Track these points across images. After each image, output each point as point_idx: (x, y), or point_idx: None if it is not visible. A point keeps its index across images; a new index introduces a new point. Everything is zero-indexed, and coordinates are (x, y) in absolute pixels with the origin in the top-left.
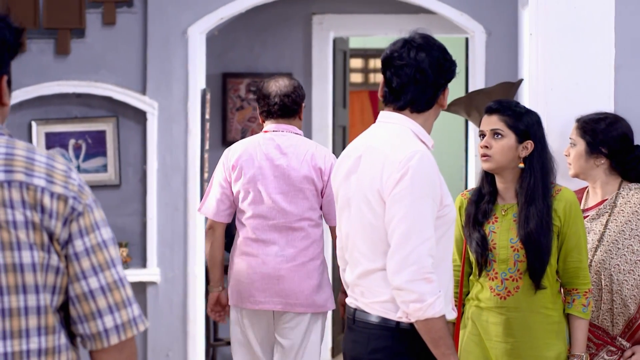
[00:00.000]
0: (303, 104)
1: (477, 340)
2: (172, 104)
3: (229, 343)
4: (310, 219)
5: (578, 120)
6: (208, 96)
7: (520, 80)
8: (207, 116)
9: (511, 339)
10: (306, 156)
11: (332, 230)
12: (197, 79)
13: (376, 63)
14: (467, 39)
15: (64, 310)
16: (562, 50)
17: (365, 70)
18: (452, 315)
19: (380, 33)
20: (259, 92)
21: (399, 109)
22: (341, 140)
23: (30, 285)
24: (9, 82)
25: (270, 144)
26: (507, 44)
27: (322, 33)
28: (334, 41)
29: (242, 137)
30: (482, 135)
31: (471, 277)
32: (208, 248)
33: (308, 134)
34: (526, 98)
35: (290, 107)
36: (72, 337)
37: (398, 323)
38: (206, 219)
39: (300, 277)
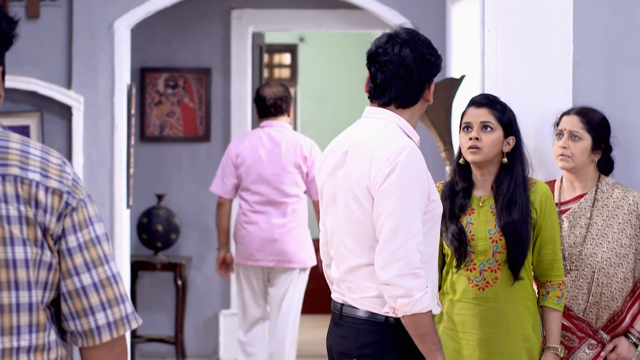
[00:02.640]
0: (291, 104)
1: (452, 334)
2: (97, 98)
3: (148, 340)
4: (297, 195)
5: (579, 114)
6: (134, 91)
7: (463, 77)
8: (132, 111)
9: (488, 329)
10: (296, 146)
11: (315, 204)
12: (123, 73)
13: (281, 58)
14: None
15: (54, 306)
16: (520, 47)
17: (270, 66)
18: (437, 310)
19: (300, 28)
20: (256, 95)
21: (384, 104)
22: None
23: (23, 281)
24: (2, 74)
25: (267, 137)
26: (435, 40)
27: (241, 28)
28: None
29: (161, 133)
30: (467, 127)
31: (443, 270)
32: (219, 219)
33: (227, 129)
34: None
35: (281, 107)
36: (62, 333)
37: (387, 318)
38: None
39: (289, 239)
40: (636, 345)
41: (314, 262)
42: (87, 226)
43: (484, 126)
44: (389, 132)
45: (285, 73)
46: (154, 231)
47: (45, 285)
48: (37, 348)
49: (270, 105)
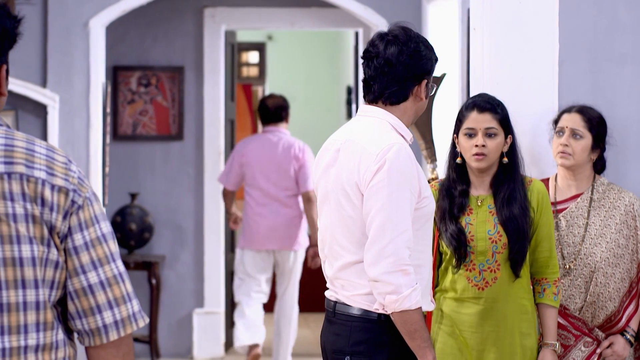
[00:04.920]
0: (289, 112)
1: (450, 331)
2: (73, 97)
3: None
4: (293, 190)
5: (580, 112)
6: (109, 89)
7: (444, 75)
8: (107, 109)
9: (488, 328)
10: (290, 148)
11: (303, 195)
12: (99, 72)
13: (248, 57)
14: (356, 33)
15: (61, 305)
16: (506, 45)
17: (238, 64)
18: (430, 307)
19: (272, 26)
20: (260, 104)
21: (372, 101)
22: (230, 133)
23: (30, 280)
24: (6, 72)
25: (267, 140)
26: None
27: (214, 26)
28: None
29: (134, 131)
30: (471, 133)
31: (441, 269)
32: (225, 203)
33: (200, 127)
34: (471, 92)
35: (280, 115)
36: (69, 332)
37: (379, 315)
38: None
39: (289, 227)
40: (631, 344)
41: (307, 243)
42: (94, 224)
43: (489, 132)
44: (379, 130)
45: (253, 71)
46: (127, 230)
47: (52, 284)
48: (44, 347)
49: (272, 113)
